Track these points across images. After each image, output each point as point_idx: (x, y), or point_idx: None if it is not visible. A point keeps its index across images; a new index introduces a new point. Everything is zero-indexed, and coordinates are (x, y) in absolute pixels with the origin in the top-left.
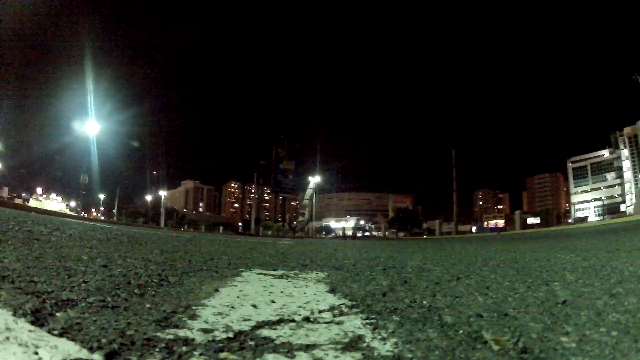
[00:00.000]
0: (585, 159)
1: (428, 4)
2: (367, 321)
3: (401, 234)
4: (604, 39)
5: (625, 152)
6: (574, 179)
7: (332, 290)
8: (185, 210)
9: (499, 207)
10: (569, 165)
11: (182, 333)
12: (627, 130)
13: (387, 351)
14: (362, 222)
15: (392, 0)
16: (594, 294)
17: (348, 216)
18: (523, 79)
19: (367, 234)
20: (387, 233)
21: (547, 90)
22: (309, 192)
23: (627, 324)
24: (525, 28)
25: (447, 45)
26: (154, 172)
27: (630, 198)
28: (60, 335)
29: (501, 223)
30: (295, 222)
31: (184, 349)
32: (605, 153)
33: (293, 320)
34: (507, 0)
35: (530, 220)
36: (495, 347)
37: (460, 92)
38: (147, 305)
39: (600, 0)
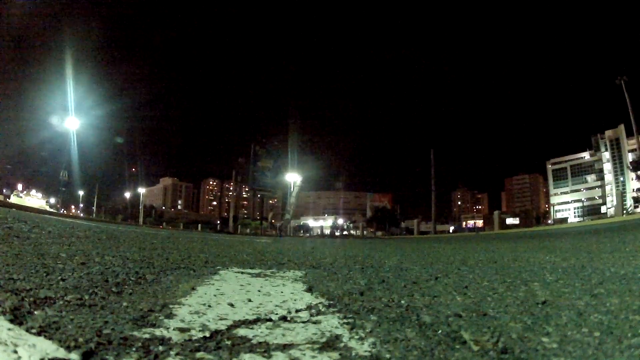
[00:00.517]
0: (565, 161)
1: (406, 4)
2: (345, 321)
3: (379, 233)
4: (587, 43)
5: (606, 155)
6: (554, 181)
7: (310, 289)
8: (163, 207)
9: (477, 207)
10: (549, 166)
11: (158, 332)
12: (608, 133)
13: (365, 351)
14: (340, 221)
15: (369, 1)
16: (575, 294)
17: (326, 215)
18: (505, 81)
19: (345, 232)
20: (365, 232)
21: (528, 92)
22: (296, 189)
23: (610, 325)
24: (508, 28)
25: (428, 46)
26: (133, 169)
27: (611, 200)
28: (39, 333)
29: (480, 223)
30: (280, 223)
31: (161, 348)
32: (586, 155)
33: (270, 320)
34: (490, 1)
35: (509, 220)
36: (475, 347)
37: (440, 92)
38: (124, 304)
39: (583, 4)
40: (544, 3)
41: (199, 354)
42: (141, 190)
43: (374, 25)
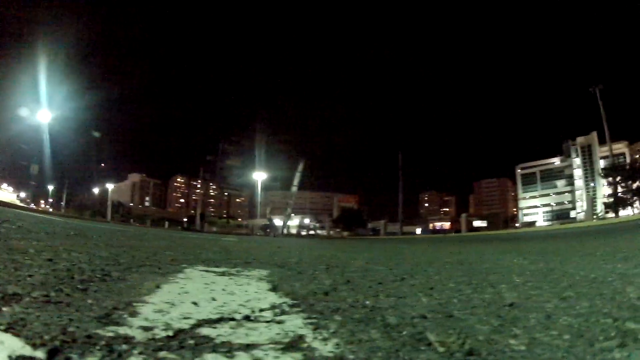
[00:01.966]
0: (535, 166)
1: (376, 6)
2: (309, 321)
3: (346, 234)
4: (561, 52)
5: (577, 161)
6: (523, 185)
7: (274, 289)
8: (131, 204)
9: (445, 209)
10: (518, 171)
11: (122, 331)
12: (580, 139)
13: (329, 352)
14: (307, 221)
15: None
16: (543, 297)
17: (293, 214)
18: (476, 85)
19: (312, 232)
20: (331, 232)
21: (500, 97)
22: (297, 176)
23: (580, 328)
24: (481, 31)
25: (398, 47)
26: (102, 164)
27: (581, 205)
28: (6, 330)
29: (447, 225)
30: (278, 220)
31: (124, 347)
32: (556, 161)
33: (233, 319)
34: (462, 4)
35: (477, 223)
36: (441, 349)
37: (410, 94)
38: (89, 301)
39: (557, 11)
40: (518, 8)
41: (161, 353)
42: (109, 186)
43: (343, 26)
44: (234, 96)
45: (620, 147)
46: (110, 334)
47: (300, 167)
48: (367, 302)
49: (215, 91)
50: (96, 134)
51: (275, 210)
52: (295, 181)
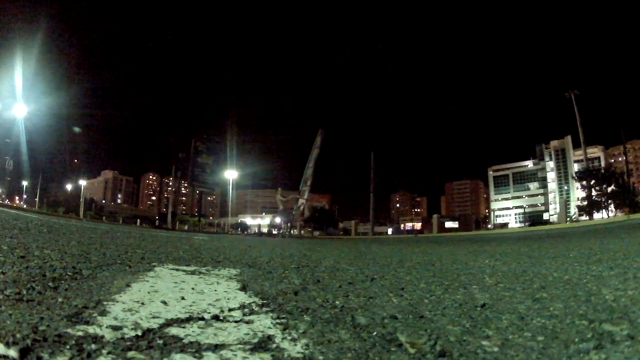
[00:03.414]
0: (508, 168)
1: (347, 7)
2: (278, 321)
3: (317, 233)
4: (536, 57)
5: (551, 164)
6: (495, 187)
7: (244, 288)
8: (104, 201)
9: (416, 210)
10: (490, 173)
11: (91, 330)
12: (554, 143)
13: (298, 352)
14: (278, 220)
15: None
16: (516, 298)
17: (264, 213)
18: (450, 87)
19: (282, 231)
20: (302, 232)
21: (474, 100)
22: (314, 154)
23: (554, 329)
24: (455, 33)
25: (370, 47)
26: (76, 160)
27: (554, 207)
28: None
29: (418, 226)
30: (290, 211)
31: (93, 347)
32: (529, 164)
33: (202, 319)
34: (440, 4)
35: (449, 224)
36: (411, 350)
37: (383, 95)
38: (60, 300)
39: (534, 16)
40: (493, 12)
41: (130, 353)
42: (82, 182)
43: (315, 26)
44: (207, 94)
45: (595, 152)
46: (80, 333)
47: (319, 140)
48: (337, 302)
49: (189, 89)
50: (77, 129)
51: (288, 202)
52: (312, 160)
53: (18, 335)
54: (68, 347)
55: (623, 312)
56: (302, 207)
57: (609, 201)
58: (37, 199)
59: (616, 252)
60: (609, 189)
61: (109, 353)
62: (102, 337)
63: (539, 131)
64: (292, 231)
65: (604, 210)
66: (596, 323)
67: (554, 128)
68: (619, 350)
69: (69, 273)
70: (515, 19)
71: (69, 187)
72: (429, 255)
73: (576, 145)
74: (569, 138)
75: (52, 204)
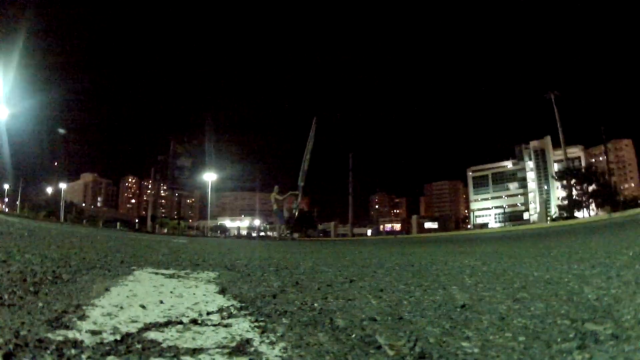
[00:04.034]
0: (487, 169)
1: (325, 8)
2: (256, 324)
3: (296, 235)
4: (515, 58)
5: (530, 164)
6: (474, 187)
7: (222, 291)
8: (84, 204)
9: (396, 211)
10: (469, 174)
11: (71, 334)
12: (534, 143)
13: (276, 356)
14: (257, 222)
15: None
16: (496, 298)
17: (243, 215)
18: (429, 88)
19: (262, 234)
20: (281, 234)
21: (453, 101)
22: (310, 145)
23: (536, 329)
24: (435, 33)
25: (349, 48)
26: (56, 163)
27: (534, 207)
28: None
29: (398, 226)
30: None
31: (73, 351)
32: (509, 164)
33: (181, 322)
34: (420, 5)
35: (428, 224)
36: (390, 352)
37: (361, 96)
38: (40, 304)
39: (515, 17)
40: (473, 12)
41: (109, 358)
42: (62, 185)
43: (294, 29)
44: (186, 96)
45: (576, 152)
46: (60, 338)
47: (313, 128)
48: (316, 305)
49: (167, 91)
50: (62, 130)
51: (284, 201)
52: (308, 152)
53: (0, 340)
54: (49, 352)
55: (606, 311)
56: (298, 205)
57: (590, 200)
58: (18, 203)
59: (598, 250)
60: (590, 188)
61: (88, 358)
62: (82, 341)
63: (519, 132)
64: (292, 232)
65: (585, 209)
66: (579, 322)
67: (534, 128)
68: (604, 349)
69: (49, 277)
70: (496, 19)
71: (49, 190)
72: (408, 256)
73: (556, 145)
74: (548, 138)
75: (34, 207)
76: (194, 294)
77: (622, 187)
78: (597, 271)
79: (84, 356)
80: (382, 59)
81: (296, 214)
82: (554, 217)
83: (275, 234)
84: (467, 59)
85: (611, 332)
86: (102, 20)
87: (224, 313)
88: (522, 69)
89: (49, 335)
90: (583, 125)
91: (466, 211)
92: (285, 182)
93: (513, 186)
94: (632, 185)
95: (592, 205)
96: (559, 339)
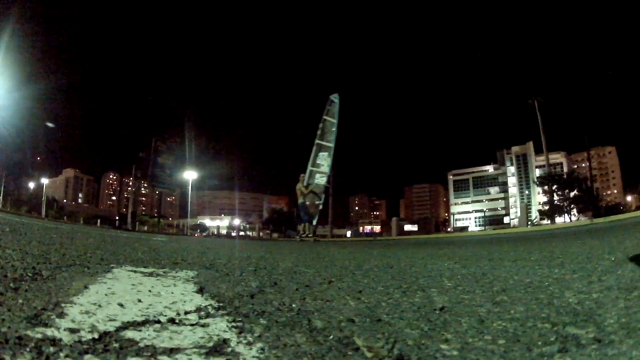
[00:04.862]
0: (468, 173)
1: (303, 10)
2: (234, 324)
3: (275, 235)
4: (497, 64)
5: (512, 169)
6: (455, 191)
7: (200, 290)
8: (65, 200)
9: (375, 213)
10: (450, 177)
11: (50, 332)
12: (515, 149)
13: (253, 357)
14: (236, 222)
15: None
16: (475, 301)
17: (222, 215)
18: (412, 92)
19: (241, 233)
20: (261, 233)
21: (435, 105)
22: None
23: (516, 332)
24: (418, 38)
25: (331, 48)
26: (38, 158)
27: (515, 211)
28: None
29: (377, 228)
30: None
31: (52, 349)
32: (490, 168)
33: (158, 322)
34: (403, 9)
35: (408, 227)
36: (368, 354)
37: (342, 96)
38: (20, 301)
39: (500, 22)
40: (457, 17)
41: (87, 357)
42: (44, 181)
43: (274, 29)
44: (168, 94)
45: (558, 157)
46: (39, 336)
47: (332, 107)
48: (294, 305)
49: (150, 88)
50: (49, 125)
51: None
52: (332, 132)
53: None
54: (28, 349)
55: (588, 315)
56: (321, 193)
57: (572, 205)
58: (0, 198)
59: (579, 255)
60: (572, 194)
61: (66, 356)
62: (60, 339)
63: (501, 137)
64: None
65: (566, 214)
66: (560, 326)
67: (516, 134)
68: (586, 353)
69: (29, 274)
70: (481, 23)
71: (31, 185)
72: (388, 258)
73: (538, 151)
74: (530, 144)
75: (16, 203)
76: (172, 292)
77: (604, 194)
78: (578, 276)
79: (62, 354)
80: (365, 60)
81: (315, 221)
82: (534, 222)
83: (298, 234)
84: (452, 63)
85: (593, 336)
86: (86, 16)
87: (202, 312)
88: (506, 75)
89: (29, 332)
90: (566, 132)
91: (446, 214)
92: (269, 182)
93: (494, 190)
94: (615, 192)
95: (574, 211)
96: (539, 343)
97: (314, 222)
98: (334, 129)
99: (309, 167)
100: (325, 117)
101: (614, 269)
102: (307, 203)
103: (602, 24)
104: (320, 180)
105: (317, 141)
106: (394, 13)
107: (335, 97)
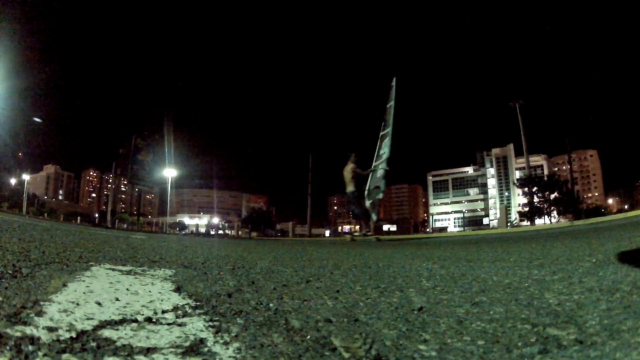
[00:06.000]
0: (447, 174)
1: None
2: (211, 323)
3: (254, 234)
4: (483, 68)
5: (491, 171)
6: (434, 192)
7: (178, 289)
8: (45, 197)
9: None
10: (429, 178)
11: (29, 330)
12: (495, 151)
13: (229, 357)
14: (215, 220)
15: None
16: (454, 301)
17: (201, 213)
18: (395, 93)
19: (220, 232)
20: (240, 232)
21: (415, 105)
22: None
23: (495, 333)
24: (402, 39)
25: (313, 48)
26: (20, 154)
27: (495, 213)
28: None
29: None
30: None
31: (30, 348)
32: (470, 170)
33: (136, 321)
34: (388, 11)
35: (387, 227)
36: (346, 355)
37: (321, 96)
38: (0, 299)
39: (482, 27)
40: (439, 18)
41: (65, 356)
42: (26, 177)
43: (258, 28)
44: (149, 90)
45: (538, 160)
46: (18, 334)
47: (393, 92)
48: (271, 305)
49: (131, 84)
50: (37, 119)
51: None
52: (390, 120)
53: None
54: (8, 347)
55: (569, 317)
56: (383, 187)
57: (552, 207)
58: None
59: (559, 256)
60: (552, 196)
61: (44, 355)
62: (39, 338)
63: (481, 139)
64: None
65: (546, 216)
66: (540, 327)
67: (496, 136)
68: (567, 355)
69: (9, 271)
70: (463, 26)
71: (12, 181)
72: (366, 258)
73: (519, 154)
74: (511, 146)
75: None
76: (150, 291)
77: (585, 197)
78: (558, 277)
79: (40, 353)
80: (346, 59)
81: (375, 216)
82: (514, 224)
83: (350, 234)
84: (433, 65)
85: (575, 338)
86: (68, 14)
87: (179, 312)
88: (488, 77)
89: (8, 330)
90: (547, 135)
91: (425, 215)
92: (246, 180)
93: (473, 192)
94: (596, 194)
95: (554, 213)
96: (519, 344)
97: (374, 217)
98: (392, 111)
99: (373, 163)
100: (387, 105)
101: (595, 270)
102: (368, 191)
103: (584, 27)
104: (382, 165)
105: (381, 134)
106: (378, 11)
107: (393, 83)
